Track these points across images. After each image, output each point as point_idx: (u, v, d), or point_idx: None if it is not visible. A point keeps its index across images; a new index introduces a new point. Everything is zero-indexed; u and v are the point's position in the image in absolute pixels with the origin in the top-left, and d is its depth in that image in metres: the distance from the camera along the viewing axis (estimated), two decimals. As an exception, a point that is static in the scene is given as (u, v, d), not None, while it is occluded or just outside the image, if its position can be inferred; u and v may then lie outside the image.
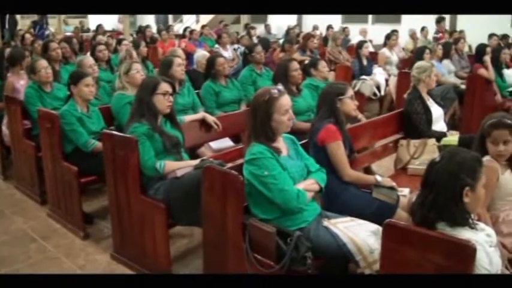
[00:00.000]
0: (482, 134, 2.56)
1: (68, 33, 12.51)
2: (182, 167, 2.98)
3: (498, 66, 6.49)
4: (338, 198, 2.86)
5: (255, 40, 9.78)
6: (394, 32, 8.20)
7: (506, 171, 2.56)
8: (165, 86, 3.11)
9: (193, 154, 3.73)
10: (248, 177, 2.47)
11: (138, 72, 4.08)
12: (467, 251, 1.67)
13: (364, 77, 6.92)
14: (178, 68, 4.31)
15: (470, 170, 1.87)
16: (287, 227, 2.44)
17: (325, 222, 2.50)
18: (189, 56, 7.63)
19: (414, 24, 11.17)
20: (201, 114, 4.00)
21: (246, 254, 2.44)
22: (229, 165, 2.74)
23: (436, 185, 1.90)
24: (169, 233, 3.07)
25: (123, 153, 3.02)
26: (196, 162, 2.96)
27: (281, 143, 2.59)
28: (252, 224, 2.45)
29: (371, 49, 7.88)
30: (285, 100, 2.52)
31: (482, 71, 6.37)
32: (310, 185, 2.57)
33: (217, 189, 2.51)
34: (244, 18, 15.15)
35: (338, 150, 2.90)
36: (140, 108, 3.08)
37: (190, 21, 17.32)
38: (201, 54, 6.05)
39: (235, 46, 8.92)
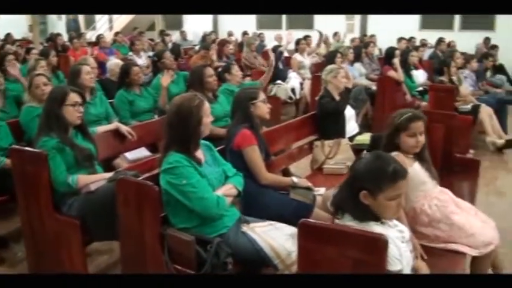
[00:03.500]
0: (397, 129, 2.64)
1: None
2: (95, 180, 2.87)
3: (407, 68, 6.85)
4: (256, 201, 2.89)
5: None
6: (307, 37, 8.46)
7: (414, 163, 2.68)
8: (74, 97, 3.00)
9: (108, 166, 3.62)
10: (165, 186, 2.43)
11: (38, 87, 3.88)
12: (379, 244, 1.72)
13: (279, 81, 7.07)
14: (87, 76, 4.17)
15: (373, 178, 1.90)
16: (207, 234, 2.43)
17: (244, 227, 2.51)
18: (101, 64, 7.39)
19: (326, 29, 11.58)
20: (114, 124, 3.89)
21: (165, 265, 2.39)
22: (146, 175, 2.68)
23: (345, 179, 2.02)
24: (87, 250, 2.99)
25: (33, 170, 2.88)
26: (110, 174, 2.88)
27: (199, 151, 2.57)
28: (170, 234, 2.41)
29: (286, 54, 8.05)
30: (207, 102, 2.56)
31: (391, 73, 6.70)
32: (228, 190, 2.57)
33: (132, 201, 2.44)
34: (159, 25, 14.94)
35: (253, 154, 2.94)
36: (49, 121, 2.95)
37: (103, 28, 16.82)
38: (113, 62, 5.91)
39: (150, 53, 8.76)
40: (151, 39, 11.78)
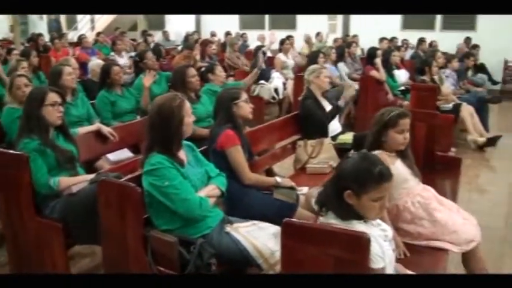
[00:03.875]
0: (385, 125, 2.64)
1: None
2: (77, 182, 2.85)
3: (389, 67, 6.92)
4: (240, 201, 2.90)
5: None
6: (289, 37, 8.47)
7: (396, 161, 2.69)
8: (53, 96, 2.97)
9: (90, 167, 3.57)
10: (148, 188, 2.41)
11: (19, 88, 3.81)
12: (362, 242, 1.72)
13: (262, 81, 7.07)
14: (69, 77, 4.10)
15: (358, 179, 1.90)
16: (191, 235, 2.41)
17: (228, 228, 2.51)
18: (83, 65, 7.31)
19: (309, 30, 11.62)
20: (95, 125, 3.85)
21: (148, 267, 2.37)
22: (128, 176, 2.65)
23: (331, 177, 2.02)
24: (69, 253, 2.95)
25: (14, 172, 2.84)
26: (92, 176, 2.84)
27: (181, 152, 2.56)
28: (153, 235, 2.39)
29: (269, 54, 8.05)
30: (188, 102, 2.55)
31: (373, 73, 6.76)
32: (211, 191, 2.56)
33: (114, 202, 2.41)
34: (141, 25, 14.83)
35: (237, 154, 2.94)
36: (29, 122, 2.92)
37: (85, 28, 16.65)
38: (95, 63, 5.85)
39: (132, 54, 8.69)
40: (134, 40, 11.68)
